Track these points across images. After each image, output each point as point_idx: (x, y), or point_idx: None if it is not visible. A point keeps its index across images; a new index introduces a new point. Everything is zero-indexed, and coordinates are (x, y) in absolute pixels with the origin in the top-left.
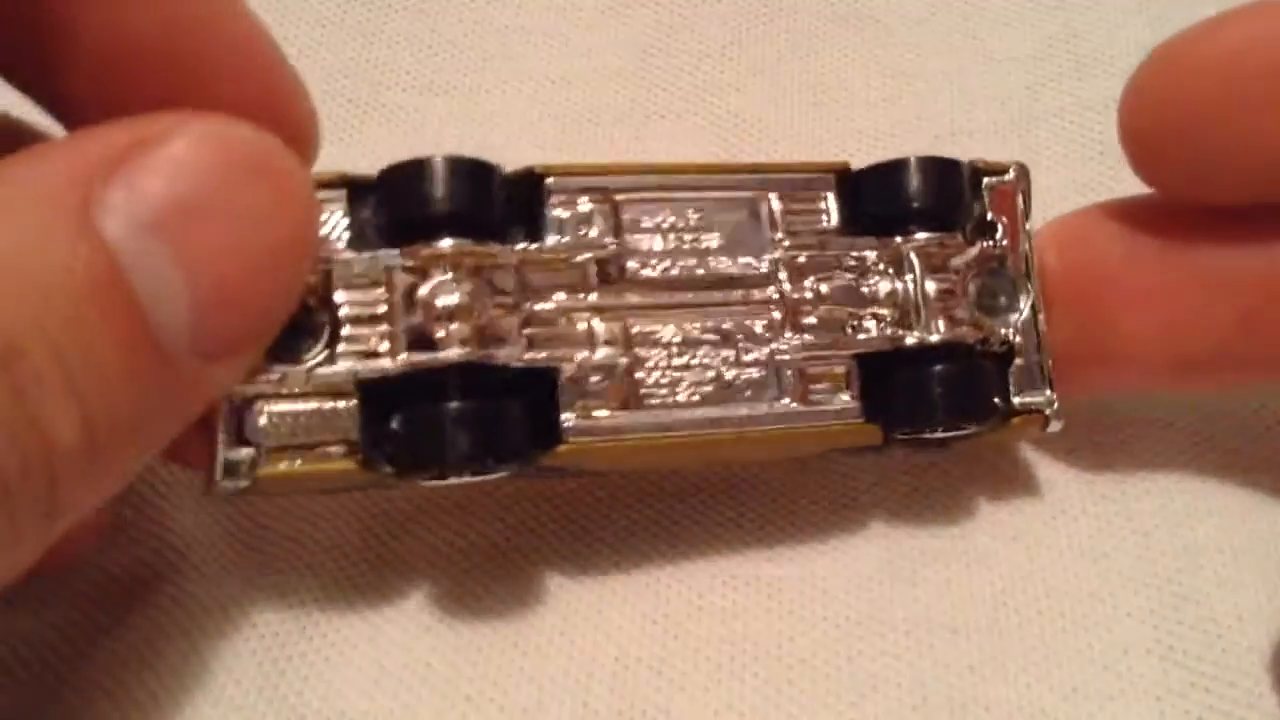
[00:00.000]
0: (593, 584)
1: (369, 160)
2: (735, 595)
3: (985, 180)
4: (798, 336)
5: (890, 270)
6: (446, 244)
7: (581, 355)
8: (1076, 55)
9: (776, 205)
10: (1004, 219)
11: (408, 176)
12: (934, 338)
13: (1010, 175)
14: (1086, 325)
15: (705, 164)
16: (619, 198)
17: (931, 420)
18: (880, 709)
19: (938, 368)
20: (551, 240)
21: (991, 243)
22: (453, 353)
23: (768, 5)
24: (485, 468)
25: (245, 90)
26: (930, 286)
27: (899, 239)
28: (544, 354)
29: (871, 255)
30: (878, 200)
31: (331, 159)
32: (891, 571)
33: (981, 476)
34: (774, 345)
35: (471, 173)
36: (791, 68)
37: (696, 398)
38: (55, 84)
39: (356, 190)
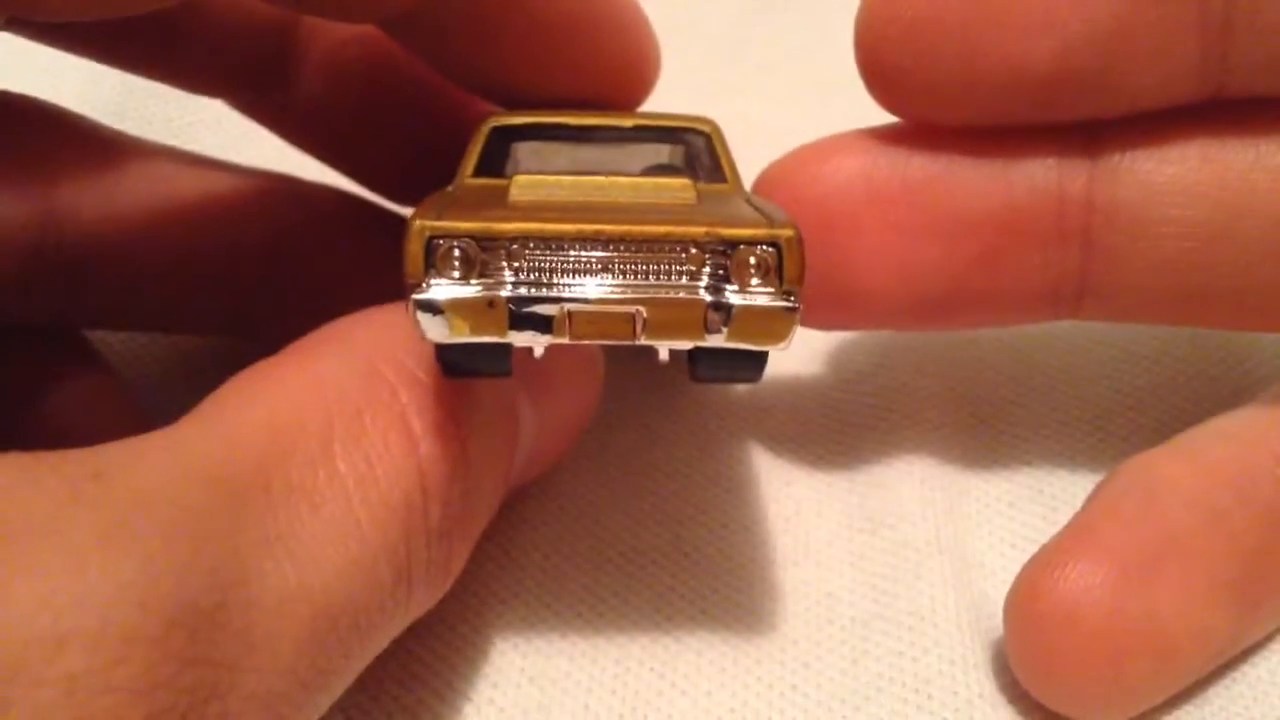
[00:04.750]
0: (593, 585)
1: None
2: (738, 597)
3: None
4: None
5: None
6: None
7: None
8: None
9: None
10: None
11: None
12: None
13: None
14: (827, 263)
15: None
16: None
17: None
18: (885, 710)
19: None
20: None
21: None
22: None
23: (773, 4)
24: None
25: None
26: None
27: None
28: None
29: None
30: None
31: None
32: (895, 569)
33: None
34: None
35: None
36: (799, 67)
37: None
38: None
39: None
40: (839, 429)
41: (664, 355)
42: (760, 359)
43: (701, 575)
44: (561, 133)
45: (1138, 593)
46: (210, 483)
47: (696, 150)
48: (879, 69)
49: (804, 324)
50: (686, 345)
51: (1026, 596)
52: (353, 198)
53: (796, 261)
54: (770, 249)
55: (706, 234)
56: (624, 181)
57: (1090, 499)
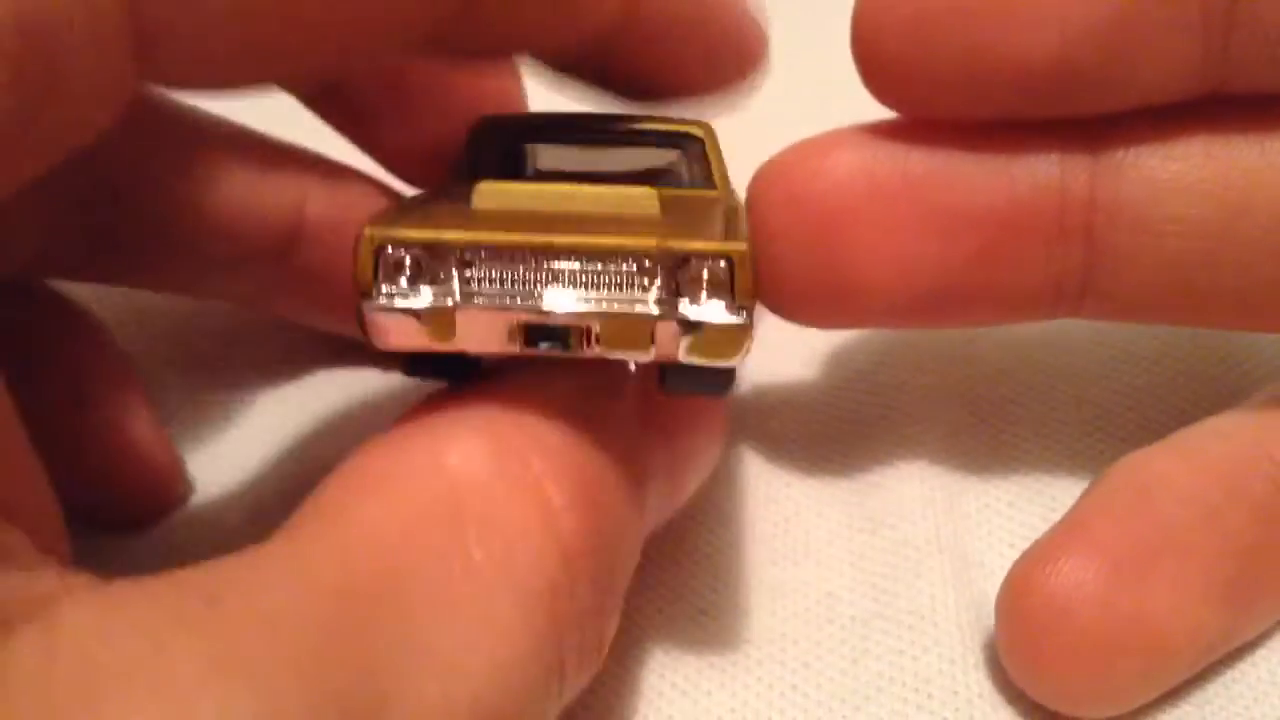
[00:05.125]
0: None
1: None
2: (738, 597)
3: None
4: None
5: None
6: None
7: None
8: None
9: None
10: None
11: None
12: None
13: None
14: (820, 261)
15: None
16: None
17: None
18: (885, 710)
19: None
20: None
21: None
22: None
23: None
24: None
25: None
26: None
27: None
28: None
29: None
30: None
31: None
32: (895, 569)
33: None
34: None
35: None
36: (801, 63)
37: None
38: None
39: None
40: (839, 429)
41: (632, 367)
42: (726, 374)
43: (701, 575)
44: (551, 133)
45: (1130, 589)
46: (336, 595)
47: (689, 155)
48: (877, 62)
49: (804, 323)
50: (638, 359)
51: (1018, 591)
52: (381, 185)
53: (748, 277)
54: (723, 263)
55: (657, 247)
56: (589, 191)
57: (1084, 495)
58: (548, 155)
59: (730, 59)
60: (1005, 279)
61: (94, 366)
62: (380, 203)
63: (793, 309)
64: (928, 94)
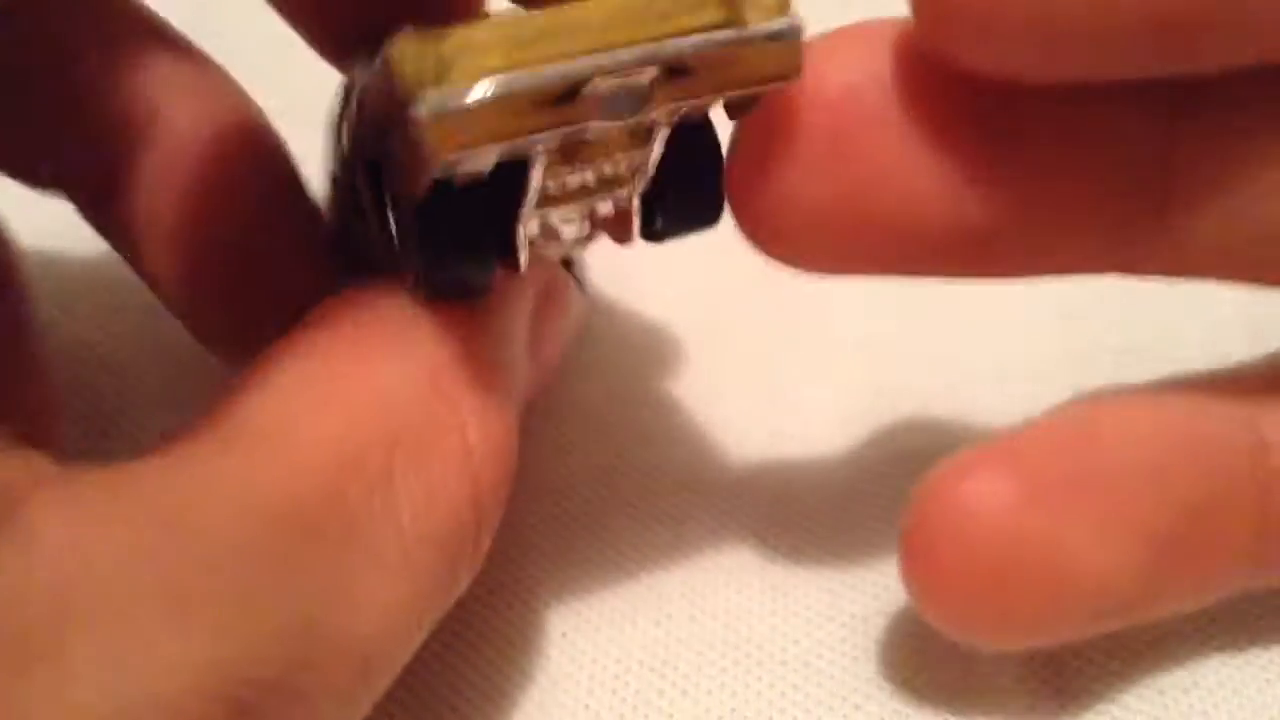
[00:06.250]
0: (593, 584)
1: None
2: (738, 597)
3: None
4: None
5: None
6: None
7: None
8: None
9: None
10: None
11: None
12: None
13: None
14: (844, 177)
15: None
16: None
17: None
18: (886, 709)
19: None
20: None
21: None
22: None
23: None
24: None
25: None
26: None
27: None
28: None
29: None
30: None
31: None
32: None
33: None
34: None
35: None
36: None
37: None
38: None
39: None
40: (839, 428)
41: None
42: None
43: (701, 575)
44: None
45: (1045, 513)
46: (278, 522)
47: None
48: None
49: (825, 269)
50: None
51: (923, 495)
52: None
53: None
54: None
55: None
56: None
57: (1029, 421)
58: None
59: None
60: (1079, 190)
61: None
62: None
63: (805, 246)
64: (1015, 46)
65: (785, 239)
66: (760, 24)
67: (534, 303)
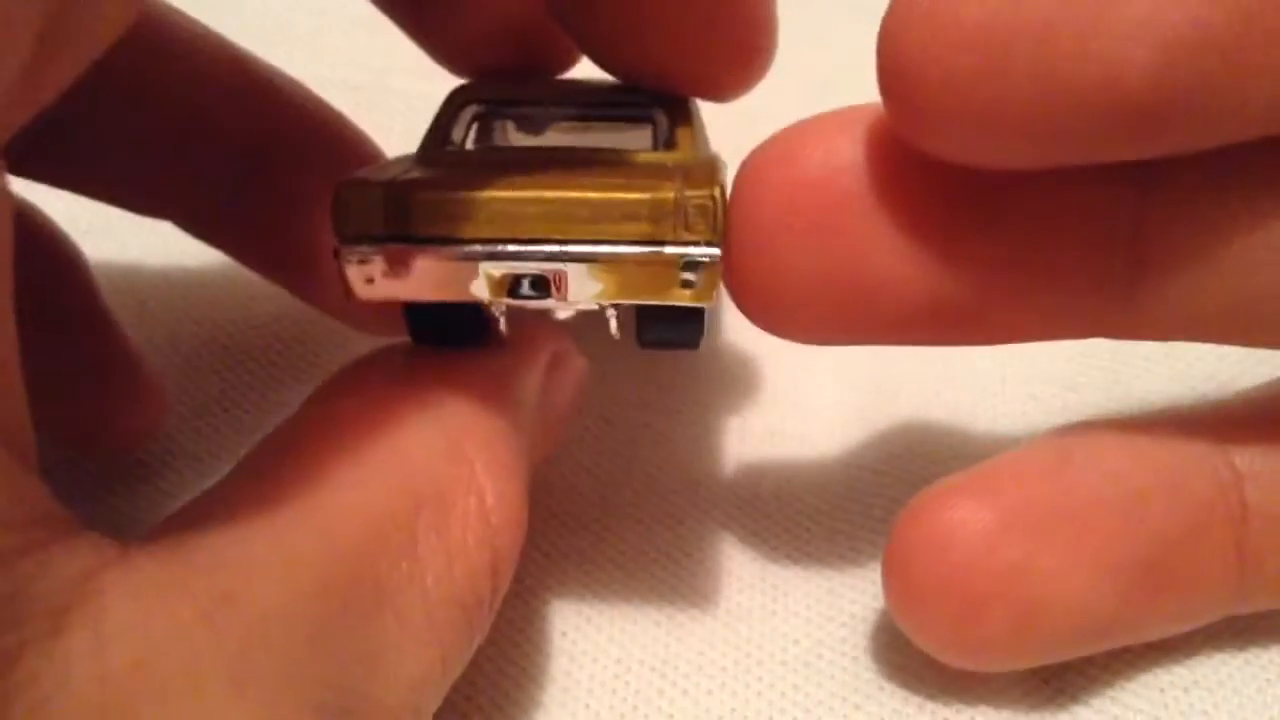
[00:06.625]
0: (593, 584)
1: None
2: (738, 597)
3: None
4: None
5: None
6: None
7: None
8: None
9: None
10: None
11: None
12: None
13: None
14: (827, 256)
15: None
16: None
17: None
18: (886, 709)
19: None
20: None
21: None
22: None
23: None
24: None
25: None
26: None
27: None
28: None
29: None
30: None
31: None
32: None
33: None
34: None
35: None
36: (799, 60)
37: None
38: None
39: None
40: (839, 426)
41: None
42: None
43: (701, 575)
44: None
45: (1019, 541)
46: (320, 594)
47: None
48: (916, 86)
49: (806, 338)
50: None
51: (905, 520)
52: (346, 123)
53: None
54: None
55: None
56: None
57: (1008, 452)
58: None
59: (735, 50)
60: (1048, 263)
61: (58, 276)
62: (348, 151)
63: (794, 319)
64: (982, 135)
65: (774, 313)
66: (677, 248)
67: (545, 367)
